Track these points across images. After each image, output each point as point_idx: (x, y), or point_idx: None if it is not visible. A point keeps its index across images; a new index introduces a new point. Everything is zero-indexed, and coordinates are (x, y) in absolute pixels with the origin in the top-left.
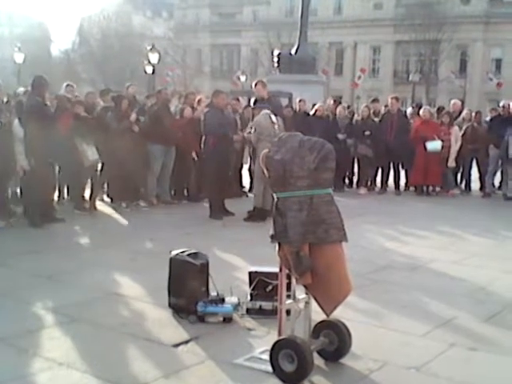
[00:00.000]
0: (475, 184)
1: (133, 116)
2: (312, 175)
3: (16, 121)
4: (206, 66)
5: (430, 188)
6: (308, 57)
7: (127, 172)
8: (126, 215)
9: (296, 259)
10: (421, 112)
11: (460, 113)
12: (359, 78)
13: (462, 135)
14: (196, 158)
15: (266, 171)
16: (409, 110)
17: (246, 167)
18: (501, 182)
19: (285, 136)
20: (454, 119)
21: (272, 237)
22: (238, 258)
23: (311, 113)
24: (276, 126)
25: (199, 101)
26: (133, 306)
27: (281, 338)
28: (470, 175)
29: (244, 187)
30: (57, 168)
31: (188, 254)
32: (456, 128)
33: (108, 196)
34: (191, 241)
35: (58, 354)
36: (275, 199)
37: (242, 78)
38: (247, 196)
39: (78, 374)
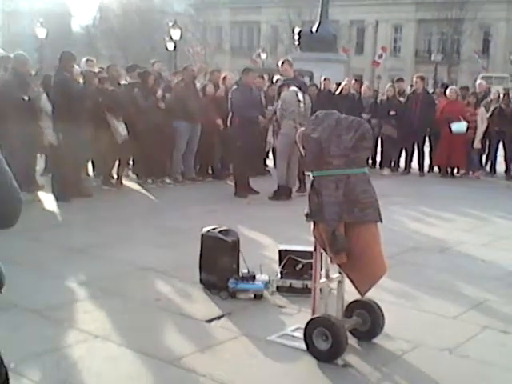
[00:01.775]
0: (500, 166)
1: (159, 93)
2: (349, 154)
3: (44, 96)
4: (226, 43)
5: (455, 170)
6: (329, 35)
7: (153, 148)
8: (152, 191)
9: (332, 238)
10: (447, 92)
11: (485, 93)
12: (380, 56)
13: (490, 116)
14: (222, 127)
15: (302, 150)
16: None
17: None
18: None
19: (321, 114)
20: (480, 100)
21: (307, 215)
22: (265, 235)
23: (337, 92)
24: (301, 105)
25: (224, 78)
26: (164, 280)
27: (315, 316)
28: (495, 157)
29: (267, 166)
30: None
31: (219, 231)
32: (482, 109)
33: (133, 172)
34: (217, 218)
35: (94, 327)
36: (311, 178)
37: (263, 56)
38: (271, 174)
39: (114, 346)
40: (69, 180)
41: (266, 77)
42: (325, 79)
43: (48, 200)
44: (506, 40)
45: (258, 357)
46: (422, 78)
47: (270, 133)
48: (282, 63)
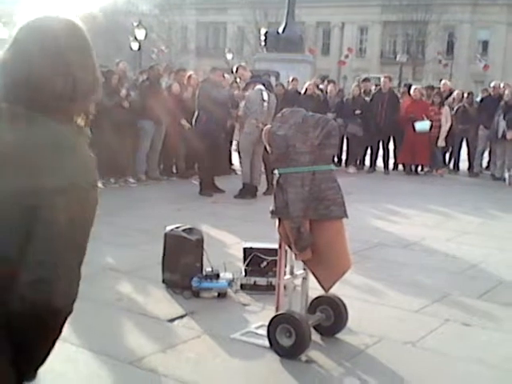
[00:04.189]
0: (463, 164)
1: (123, 92)
2: (315, 151)
3: None
4: (192, 44)
5: (419, 167)
6: (295, 36)
7: (116, 148)
8: (114, 191)
9: (297, 235)
10: (411, 92)
11: (450, 93)
12: (346, 57)
13: (454, 115)
14: (188, 127)
15: (268, 147)
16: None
17: (235, 144)
18: (488, 163)
19: (288, 112)
20: (445, 99)
21: (272, 212)
22: (230, 234)
23: (302, 91)
24: (265, 104)
25: (189, 77)
26: (125, 280)
27: (279, 312)
28: (459, 155)
29: (233, 164)
30: None
31: (183, 230)
32: (446, 108)
33: None
34: (182, 217)
35: None
36: (277, 175)
37: (229, 56)
38: (236, 173)
39: (73, 348)
40: None
41: (227, 75)
42: (293, 79)
43: None
44: (469, 42)
45: (221, 355)
46: (390, 79)
47: (236, 131)
48: (237, 69)
